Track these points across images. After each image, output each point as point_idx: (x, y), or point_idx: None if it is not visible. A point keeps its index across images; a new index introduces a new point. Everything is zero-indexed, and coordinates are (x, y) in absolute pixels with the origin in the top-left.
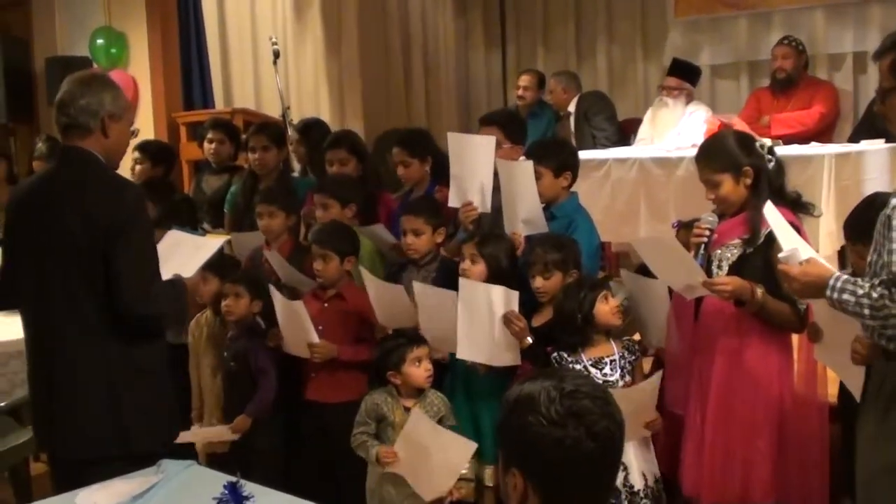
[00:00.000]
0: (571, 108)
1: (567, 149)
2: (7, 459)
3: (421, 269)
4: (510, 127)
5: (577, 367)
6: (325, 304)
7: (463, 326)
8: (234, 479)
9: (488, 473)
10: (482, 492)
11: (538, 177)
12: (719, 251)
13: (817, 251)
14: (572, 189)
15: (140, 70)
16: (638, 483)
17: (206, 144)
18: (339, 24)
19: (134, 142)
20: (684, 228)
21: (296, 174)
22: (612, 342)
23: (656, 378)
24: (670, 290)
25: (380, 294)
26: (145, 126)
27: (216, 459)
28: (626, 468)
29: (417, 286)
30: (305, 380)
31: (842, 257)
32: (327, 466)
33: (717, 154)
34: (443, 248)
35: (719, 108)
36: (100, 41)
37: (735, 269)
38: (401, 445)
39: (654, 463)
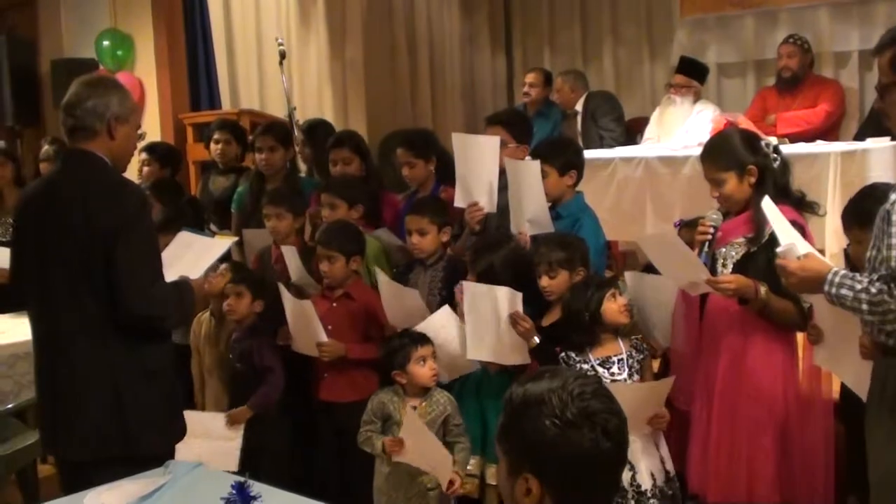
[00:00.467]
0: (579, 107)
1: (572, 148)
2: (15, 461)
3: (428, 270)
4: (516, 127)
5: (585, 366)
6: (334, 304)
7: (471, 327)
8: (241, 479)
9: (491, 472)
10: (485, 489)
11: (543, 175)
12: (724, 249)
13: (823, 249)
14: (578, 188)
15: (146, 71)
16: (646, 483)
17: (212, 145)
18: (344, 25)
19: (140, 144)
20: (686, 227)
21: (302, 175)
22: (620, 341)
23: (670, 380)
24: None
25: (392, 295)
26: (152, 127)
27: None
28: (632, 467)
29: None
30: (318, 380)
31: (848, 256)
32: (339, 466)
33: (721, 152)
34: (450, 248)
35: (725, 107)
36: (106, 43)
37: (739, 268)
38: (405, 436)
39: (666, 461)
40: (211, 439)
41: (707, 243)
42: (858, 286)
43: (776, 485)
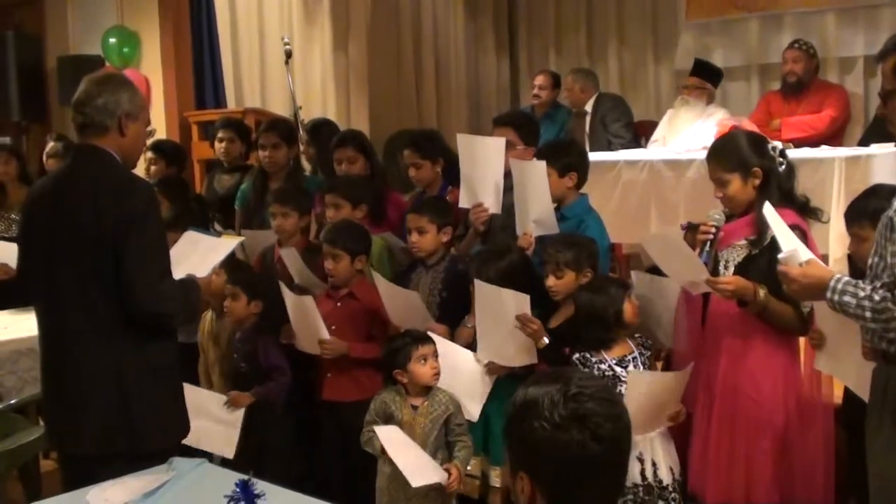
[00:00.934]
0: (588, 107)
1: (575, 149)
2: (17, 457)
3: (430, 270)
4: (524, 128)
5: (602, 366)
6: (338, 304)
7: (482, 327)
8: (245, 476)
9: (495, 474)
10: (488, 490)
11: None
12: (726, 252)
13: (827, 254)
14: (583, 191)
15: (152, 69)
16: (667, 478)
17: (216, 144)
18: (349, 25)
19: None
20: (691, 230)
21: (306, 173)
22: (629, 341)
23: (687, 371)
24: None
25: (391, 296)
26: (157, 125)
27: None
28: (654, 464)
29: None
30: (322, 380)
31: (852, 261)
32: (341, 465)
33: (727, 153)
34: (454, 248)
35: (730, 111)
36: (112, 40)
37: (741, 270)
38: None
39: (676, 457)
40: (209, 420)
41: (709, 243)
42: (861, 293)
43: (775, 487)
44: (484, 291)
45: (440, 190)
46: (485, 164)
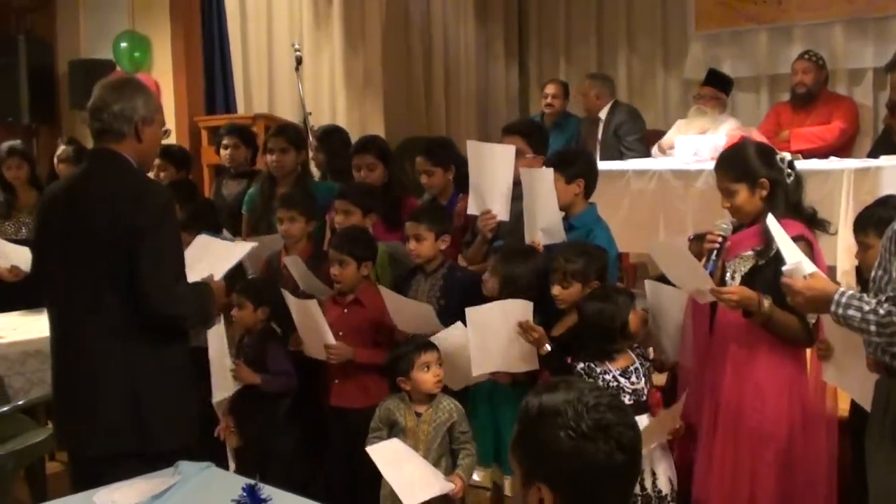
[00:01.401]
0: (602, 114)
1: (583, 158)
2: (24, 457)
3: (429, 277)
4: (533, 137)
5: (607, 377)
6: (345, 310)
7: (475, 348)
8: (252, 481)
9: (508, 484)
10: (503, 500)
11: None
12: (733, 262)
13: (834, 266)
14: (591, 200)
15: (163, 74)
16: (665, 488)
17: (221, 151)
18: (360, 32)
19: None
20: (697, 240)
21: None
22: (630, 352)
23: (679, 404)
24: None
25: (398, 306)
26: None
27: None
28: (654, 474)
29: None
30: (329, 386)
31: (860, 273)
32: (347, 471)
33: (735, 163)
34: (461, 255)
35: (739, 122)
36: (123, 45)
37: (747, 280)
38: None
39: (674, 469)
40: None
41: (715, 252)
42: (866, 307)
43: (777, 499)
44: (480, 314)
45: (452, 197)
46: (494, 171)
